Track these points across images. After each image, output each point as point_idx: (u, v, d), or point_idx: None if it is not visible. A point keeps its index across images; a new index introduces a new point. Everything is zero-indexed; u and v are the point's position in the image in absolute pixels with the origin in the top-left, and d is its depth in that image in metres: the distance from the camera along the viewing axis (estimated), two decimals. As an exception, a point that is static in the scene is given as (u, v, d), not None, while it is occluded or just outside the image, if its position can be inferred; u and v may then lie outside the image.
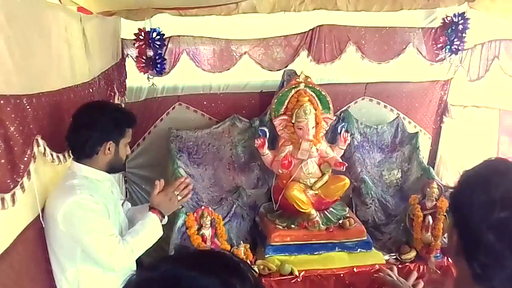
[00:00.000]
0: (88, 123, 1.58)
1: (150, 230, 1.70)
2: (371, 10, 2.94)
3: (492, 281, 0.79)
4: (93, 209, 1.53)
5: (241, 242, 2.84)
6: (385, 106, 3.56)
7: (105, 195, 1.65)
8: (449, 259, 0.96)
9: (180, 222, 2.69)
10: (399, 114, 3.56)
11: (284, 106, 2.92)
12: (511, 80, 2.88)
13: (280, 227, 2.91)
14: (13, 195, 1.12)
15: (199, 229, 2.68)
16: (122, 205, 1.91)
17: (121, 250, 1.56)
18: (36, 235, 1.49)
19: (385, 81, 3.48)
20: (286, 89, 2.92)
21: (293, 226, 2.91)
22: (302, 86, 2.88)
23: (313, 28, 3.21)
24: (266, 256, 2.81)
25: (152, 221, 1.71)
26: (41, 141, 1.35)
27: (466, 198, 0.82)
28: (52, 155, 1.48)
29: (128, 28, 2.91)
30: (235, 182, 3.24)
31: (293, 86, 2.90)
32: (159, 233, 1.74)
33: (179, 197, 1.79)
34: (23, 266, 1.33)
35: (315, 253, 2.85)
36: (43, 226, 1.51)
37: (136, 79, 3.13)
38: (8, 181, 1.10)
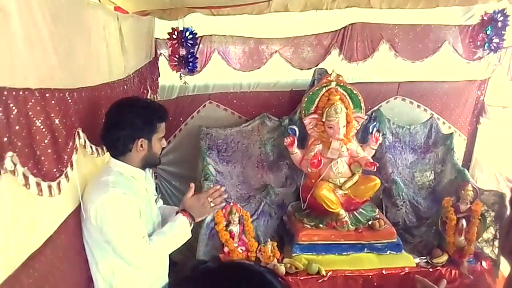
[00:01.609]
0: (118, 122, 1.59)
1: (178, 232, 1.70)
2: (405, 7, 2.86)
3: None
4: (124, 207, 1.55)
5: (268, 239, 2.85)
6: (418, 106, 3.48)
7: (139, 193, 1.66)
8: (502, 255, 0.94)
9: (208, 218, 2.71)
10: (433, 114, 3.46)
11: (315, 105, 2.91)
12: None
13: (308, 226, 2.90)
14: (58, 184, 1.17)
15: (227, 226, 2.71)
16: (156, 201, 1.91)
17: (146, 251, 1.57)
18: (76, 224, 1.55)
19: (419, 80, 3.39)
20: (317, 88, 2.91)
21: (321, 225, 2.89)
22: (333, 84, 2.87)
23: (345, 26, 3.18)
24: (293, 254, 2.80)
25: (181, 223, 1.71)
26: (81, 134, 1.40)
27: None
28: (91, 147, 1.53)
29: (162, 28, 2.98)
30: (263, 180, 3.26)
31: (324, 84, 2.89)
32: (187, 236, 1.74)
33: (212, 204, 1.78)
34: (65, 253, 1.38)
35: (343, 254, 2.83)
36: (84, 217, 1.56)
37: (168, 78, 3.20)
38: (54, 170, 1.15)
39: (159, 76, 3.16)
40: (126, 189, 1.57)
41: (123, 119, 1.58)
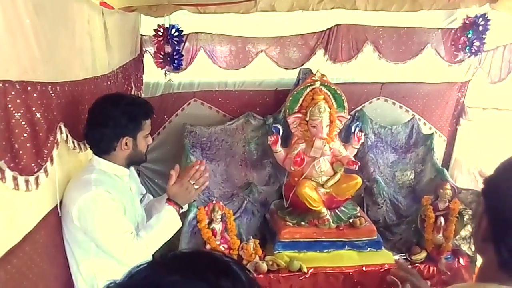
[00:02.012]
0: (102, 120, 1.54)
1: (166, 223, 1.65)
2: (390, 10, 2.92)
3: None
4: (108, 205, 1.51)
5: (251, 237, 2.87)
6: (400, 107, 3.53)
7: (122, 191, 1.62)
8: (474, 246, 0.99)
9: (191, 215, 2.73)
10: (414, 115, 3.53)
11: (299, 104, 2.94)
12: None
13: (290, 224, 2.93)
14: (36, 178, 1.17)
15: (209, 223, 2.72)
16: (142, 199, 1.87)
17: (135, 247, 1.53)
18: (57, 221, 1.53)
19: (402, 81, 3.45)
20: (302, 87, 2.94)
21: (303, 223, 2.93)
22: (317, 84, 2.90)
23: (331, 27, 3.21)
24: (275, 252, 2.83)
25: (167, 213, 1.66)
26: (63, 128, 1.40)
27: (505, 184, 0.86)
28: (73, 142, 1.53)
29: (147, 25, 2.97)
30: (246, 179, 3.28)
31: (309, 84, 2.92)
32: (177, 224, 1.70)
33: (196, 186, 1.71)
34: (44, 249, 1.38)
35: (324, 251, 2.87)
36: (60, 215, 1.53)
37: (153, 75, 3.18)
38: (33, 164, 1.14)
39: (143, 73, 3.14)
40: (109, 187, 1.53)
41: (107, 116, 1.54)
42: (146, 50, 3.14)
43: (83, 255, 1.57)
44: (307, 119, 2.88)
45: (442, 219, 2.79)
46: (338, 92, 2.95)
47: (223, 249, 2.73)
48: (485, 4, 2.94)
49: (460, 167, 3.57)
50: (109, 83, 2.14)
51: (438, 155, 3.45)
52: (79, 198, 1.47)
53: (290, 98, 2.97)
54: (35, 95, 1.13)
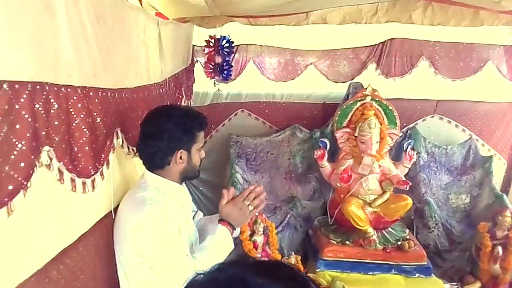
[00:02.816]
0: (155, 133, 1.48)
1: (220, 244, 1.58)
2: (448, 24, 2.79)
3: None
4: (163, 225, 1.43)
5: (292, 253, 2.80)
6: (456, 126, 3.36)
7: (177, 209, 1.56)
8: None
9: (235, 225, 2.70)
10: (471, 135, 3.34)
11: (348, 119, 2.86)
12: None
13: (334, 242, 2.83)
14: (93, 181, 1.19)
15: (251, 235, 2.68)
16: (194, 216, 1.81)
17: (189, 270, 1.43)
18: (111, 225, 1.52)
19: (459, 99, 3.29)
20: (351, 102, 2.86)
21: (347, 242, 2.82)
22: (368, 99, 2.81)
23: (384, 41, 3.14)
24: (317, 270, 2.74)
25: (221, 234, 1.58)
26: (120, 134, 1.42)
27: None
28: (128, 147, 1.55)
29: (199, 36, 3.03)
30: (290, 192, 3.22)
31: (359, 98, 2.84)
32: (230, 246, 1.62)
33: (251, 207, 1.63)
34: (97, 251, 1.39)
35: (369, 273, 2.73)
36: (117, 233, 1.49)
37: (203, 85, 3.24)
38: (90, 167, 1.17)
39: (194, 82, 3.20)
40: (164, 205, 1.47)
41: (161, 129, 1.48)
42: (197, 60, 3.20)
43: (137, 276, 1.51)
44: (356, 135, 2.79)
45: (500, 249, 2.58)
46: (390, 108, 2.84)
47: (263, 263, 2.68)
48: (555, 20, 2.74)
49: (521, 193, 3.32)
50: (161, 91, 2.19)
51: (497, 180, 3.23)
52: (133, 218, 1.41)
53: (339, 112, 2.89)
54: (96, 100, 1.16)
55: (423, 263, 2.74)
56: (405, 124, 3.24)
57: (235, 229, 1.64)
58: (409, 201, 2.75)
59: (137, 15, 1.67)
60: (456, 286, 2.71)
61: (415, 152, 2.90)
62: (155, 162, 1.52)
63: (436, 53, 3.14)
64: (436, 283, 2.70)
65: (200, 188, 3.46)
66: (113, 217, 1.51)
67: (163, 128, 1.48)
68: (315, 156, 2.89)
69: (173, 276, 1.46)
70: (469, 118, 3.34)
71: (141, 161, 1.68)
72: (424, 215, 3.04)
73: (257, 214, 2.74)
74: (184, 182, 1.68)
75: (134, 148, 1.66)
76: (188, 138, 1.53)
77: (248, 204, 1.62)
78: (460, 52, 3.14)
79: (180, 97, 2.77)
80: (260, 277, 0.52)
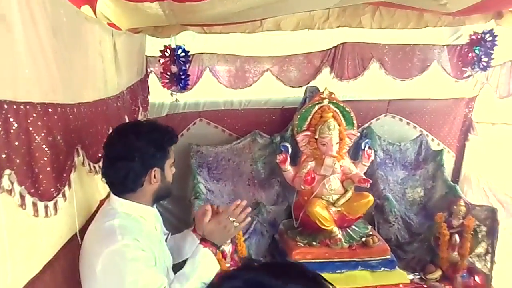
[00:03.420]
0: (125, 154, 1.35)
1: (204, 269, 1.43)
2: (395, 27, 2.95)
3: None
4: (138, 258, 1.29)
5: (261, 259, 2.80)
6: (408, 123, 3.53)
7: (150, 236, 1.42)
8: None
9: (200, 236, 2.66)
10: (422, 132, 3.52)
11: (307, 122, 2.92)
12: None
13: (301, 244, 2.87)
14: (55, 204, 1.11)
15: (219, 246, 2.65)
16: (166, 239, 1.67)
17: None
18: (77, 249, 1.40)
19: (408, 98, 3.45)
20: (310, 105, 2.92)
21: (314, 243, 2.86)
22: (326, 102, 2.88)
23: (336, 46, 3.23)
24: (288, 274, 2.75)
25: (204, 258, 1.44)
26: (81, 151, 1.34)
27: None
28: (89, 165, 1.47)
29: (152, 46, 2.97)
30: (255, 198, 3.22)
31: (317, 102, 2.90)
32: (215, 268, 1.46)
33: (236, 224, 1.52)
34: (65, 280, 1.29)
35: (337, 272, 2.78)
36: (84, 268, 1.36)
37: (158, 95, 3.17)
38: (52, 189, 1.09)
39: (149, 93, 3.13)
40: (137, 234, 1.34)
41: (131, 148, 1.35)
42: (151, 71, 3.13)
43: None
44: (317, 137, 2.85)
45: (457, 237, 2.73)
46: (347, 109, 2.93)
47: (233, 272, 2.65)
48: (490, 21, 2.96)
49: (470, 183, 3.54)
50: (118, 104, 2.11)
51: (447, 171, 3.42)
52: (103, 251, 1.27)
53: (299, 116, 2.94)
54: (55, 117, 1.09)
55: (387, 256, 2.84)
56: (360, 124, 3.33)
57: (219, 249, 1.50)
58: (371, 198, 2.83)
59: (93, 26, 1.61)
60: (419, 276, 2.82)
61: (373, 151, 3.01)
62: (128, 186, 1.39)
63: (385, 55, 3.27)
64: (400, 275, 2.81)
65: (161, 203, 3.36)
66: (79, 240, 1.41)
67: (133, 147, 1.36)
68: (277, 161, 2.92)
69: None
70: (419, 115, 3.52)
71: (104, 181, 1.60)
72: (384, 211, 3.15)
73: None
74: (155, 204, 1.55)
75: (96, 166, 1.58)
76: (161, 155, 1.42)
77: (233, 221, 1.52)
78: (407, 53, 3.29)
79: (137, 109, 2.68)
80: (277, 278, 0.53)
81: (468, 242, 2.70)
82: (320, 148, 2.84)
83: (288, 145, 2.92)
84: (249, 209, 1.58)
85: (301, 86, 3.28)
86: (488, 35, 3.02)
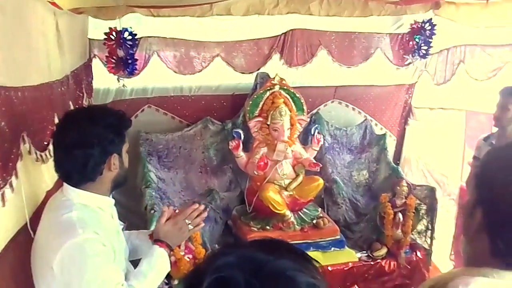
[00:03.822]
0: (82, 141, 1.28)
1: (159, 269, 1.44)
2: (342, 15, 3.03)
3: None
4: (98, 253, 1.25)
5: (216, 245, 2.80)
6: (353, 109, 3.66)
7: (109, 227, 1.38)
8: (465, 236, 0.95)
9: (153, 227, 2.60)
10: (366, 117, 3.67)
11: (259, 108, 2.93)
12: (476, 83, 3.07)
13: (255, 229, 2.91)
14: (2, 195, 1.02)
15: (173, 233, 2.62)
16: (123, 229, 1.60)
17: None
18: (27, 242, 1.31)
19: (354, 84, 3.57)
20: (261, 91, 2.93)
21: (268, 227, 2.92)
22: (277, 88, 2.92)
23: (286, 32, 3.25)
24: (242, 258, 2.78)
25: (160, 258, 1.45)
26: (27, 138, 1.24)
27: (500, 179, 0.84)
28: (36, 153, 1.36)
29: (95, 29, 2.81)
30: (207, 185, 3.20)
31: (268, 88, 2.92)
32: (167, 269, 1.48)
33: (190, 227, 1.53)
34: (13, 275, 1.21)
35: (290, 254, 2.86)
36: (38, 264, 1.29)
37: (103, 81, 3.01)
38: (-1, 180, 1.00)
39: (93, 78, 2.96)
40: (96, 226, 1.28)
41: (88, 135, 1.29)
42: (95, 55, 2.96)
43: None
44: (268, 123, 2.88)
45: (400, 215, 2.90)
46: (297, 95, 2.99)
47: (188, 259, 2.62)
48: (429, 11, 3.14)
49: (410, 164, 3.77)
50: (62, 89, 1.98)
51: (390, 154, 3.61)
52: (62, 246, 1.20)
53: (250, 102, 2.95)
54: (-1, 101, 1.00)
55: (337, 237, 2.96)
56: (309, 110, 3.40)
57: (172, 250, 1.52)
58: (321, 181, 2.93)
59: (35, 5, 1.48)
60: (366, 254, 2.98)
61: (322, 136, 3.10)
62: (86, 175, 1.33)
63: (333, 43, 3.35)
64: (349, 253, 2.94)
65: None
66: (31, 233, 1.31)
67: (90, 134, 1.29)
68: (230, 147, 2.92)
69: None
70: (364, 101, 3.66)
71: (48, 168, 1.50)
72: (333, 193, 3.27)
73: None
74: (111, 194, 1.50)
75: (43, 154, 1.47)
76: (119, 140, 1.37)
77: (189, 223, 1.52)
78: (353, 41, 3.39)
79: (81, 95, 2.54)
80: (268, 254, 0.53)
81: (410, 220, 2.89)
82: (272, 133, 2.87)
83: (241, 132, 2.93)
84: (205, 214, 1.59)
85: (251, 72, 3.28)
86: (427, 24, 3.19)
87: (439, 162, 3.53)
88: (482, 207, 0.88)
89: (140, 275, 1.40)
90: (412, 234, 3.02)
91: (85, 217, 1.28)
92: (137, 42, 2.89)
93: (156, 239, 1.50)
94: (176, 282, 2.53)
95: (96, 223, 1.30)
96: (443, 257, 3.36)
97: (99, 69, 2.94)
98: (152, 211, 2.71)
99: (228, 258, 0.51)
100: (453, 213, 3.42)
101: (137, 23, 2.88)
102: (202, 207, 1.58)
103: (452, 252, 3.37)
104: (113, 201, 1.45)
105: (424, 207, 3.00)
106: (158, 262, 1.44)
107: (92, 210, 1.34)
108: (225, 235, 3.09)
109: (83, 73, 2.66)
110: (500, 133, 2.63)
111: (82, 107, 1.76)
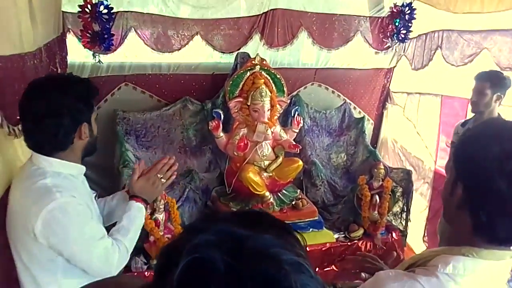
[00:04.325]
0: (52, 110, 1.27)
1: (139, 222, 1.50)
2: (324, -5, 3.00)
3: (495, 228, 0.84)
4: (79, 212, 1.28)
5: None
6: (333, 92, 3.67)
7: (83, 193, 1.41)
8: (445, 215, 0.96)
9: (132, 206, 2.56)
10: (345, 100, 3.69)
11: (240, 88, 2.90)
12: (452, 68, 3.12)
13: (234, 209, 2.89)
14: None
15: (151, 214, 2.59)
16: (95, 197, 1.64)
17: (117, 253, 1.35)
18: (2, 220, 1.28)
19: (334, 67, 3.57)
20: (242, 71, 2.89)
21: (247, 208, 2.91)
22: (257, 68, 2.88)
23: (267, 12, 3.19)
24: (221, 239, 2.78)
25: (139, 212, 1.50)
26: (-1, 111, 1.18)
27: (479, 150, 0.85)
28: (8, 127, 1.29)
29: (67, 2, 2.68)
30: (186, 166, 3.16)
31: (249, 68, 2.88)
32: (142, 223, 1.54)
33: (163, 180, 1.57)
34: None
35: (269, 235, 2.88)
36: (16, 233, 1.29)
37: (78, 56, 2.90)
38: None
39: (67, 53, 2.84)
40: (72, 191, 1.31)
41: (58, 104, 1.28)
42: (69, 29, 2.83)
43: (48, 277, 1.33)
44: (249, 104, 2.85)
45: (377, 197, 2.96)
46: (278, 76, 2.96)
47: (167, 239, 2.60)
48: (409, -6, 3.15)
49: (387, 148, 3.83)
50: (35, 62, 1.88)
51: (367, 138, 3.65)
52: (42, 210, 1.21)
53: (231, 82, 2.90)
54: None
55: (315, 218, 2.99)
56: (289, 92, 3.39)
57: (148, 204, 1.57)
58: (300, 163, 2.95)
59: (5, -32, 1.38)
60: (343, 235, 3.03)
61: (301, 118, 3.10)
62: (57, 144, 1.32)
63: (313, 24, 3.32)
64: (327, 234, 2.99)
65: (87, 173, 3.14)
66: (16, 233, 1.27)
67: (60, 102, 1.28)
68: (209, 128, 2.88)
69: (98, 261, 1.32)
70: (343, 84, 3.67)
71: (21, 143, 1.44)
72: (311, 175, 3.29)
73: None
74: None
75: (15, 129, 1.40)
76: (88, 108, 1.37)
77: (161, 177, 1.55)
78: (333, 23, 3.37)
79: (55, 70, 2.42)
80: (248, 229, 0.49)
81: (387, 202, 2.95)
82: (252, 114, 2.85)
83: (221, 112, 2.89)
84: (176, 166, 1.62)
85: (231, 52, 3.22)
86: (407, 8, 3.20)
87: (415, 146, 3.60)
88: (462, 183, 0.89)
89: (123, 229, 1.44)
90: (388, 216, 3.09)
91: (59, 183, 1.29)
92: (113, 16, 2.78)
93: (132, 195, 1.54)
94: (155, 262, 2.51)
95: (71, 188, 1.32)
96: (416, 239, 3.46)
97: (74, 44, 2.82)
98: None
99: (205, 235, 0.47)
100: (427, 196, 3.51)
101: (114, -3, 2.77)
102: (172, 160, 1.60)
103: (426, 234, 3.47)
104: (84, 168, 1.45)
105: (400, 189, 3.07)
106: (137, 216, 1.49)
107: (65, 177, 1.34)
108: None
109: (57, 47, 2.53)
110: (477, 118, 2.67)
111: (48, 76, 1.69)
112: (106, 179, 2.97)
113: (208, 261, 0.44)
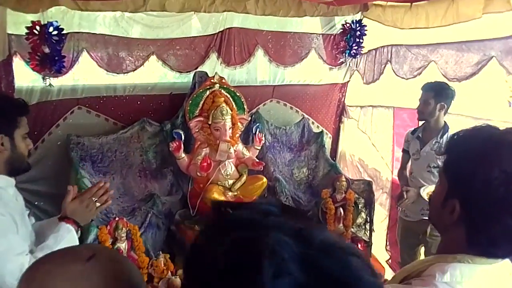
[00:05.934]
0: None
1: (67, 244, 1.45)
2: (278, 14, 3.07)
3: (494, 249, 0.84)
4: None
5: (160, 252, 2.67)
6: (291, 108, 3.73)
7: (10, 204, 1.41)
8: (437, 226, 0.95)
9: (91, 237, 2.41)
10: (304, 115, 3.76)
11: (199, 108, 2.86)
12: (402, 81, 3.28)
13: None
14: None
15: (113, 243, 2.45)
16: (28, 216, 1.63)
17: None
18: None
19: (291, 83, 3.63)
20: (201, 90, 2.86)
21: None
22: (217, 87, 2.86)
23: (223, 31, 3.21)
24: (188, 264, 2.68)
25: (67, 233, 1.50)
26: None
27: (480, 174, 0.82)
28: None
29: (13, 25, 2.54)
30: (147, 190, 3.04)
31: (208, 87, 2.86)
32: (75, 244, 1.52)
33: (98, 204, 1.60)
34: None
35: (237, 255, 2.82)
36: None
37: (26, 80, 2.74)
38: None
39: (14, 77, 2.67)
40: None
41: None
42: (15, 51, 2.68)
43: None
44: (210, 122, 2.81)
45: (341, 210, 3.00)
46: (238, 94, 2.96)
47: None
48: (358, 12, 3.30)
49: (345, 161, 3.93)
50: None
51: (327, 151, 3.72)
52: None
53: (190, 101, 2.86)
54: None
55: (281, 234, 2.97)
56: (248, 110, 3.40)
57: (80, 227, 1.57)
58: (264, 180, 2.94)
59: None
60: (310, 249, 3.02)
61: (263, 135, 3.11)
62: None
63: (269, 42, 3.38)
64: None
65: (36, 203, 2.93)
66: None
67: None
68: (170, 149, 2.81)
69: (10, 278, 1.29)
70: (300, 100, 3.75)
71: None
72: (276, 191, 3.28)
73: (117, 219, 2.51)
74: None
75: None
76: (7, 122, 1.44)
77: (96, 201, 1.59)
78: (288, 41, 3.45)
79: (1, 95, 2.28)
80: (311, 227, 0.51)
81: (351, 214, 3.00)
82: (214, 133, 2.82)
83: (181, 132, 2.83)
84: (112, 191, 1.67)
85: (189, 72, 3.19)
86: (357, 25, 3.35)
87: (371, 158, 3.72)
88: (459, 200, 0.87)
89: (46, 247, 1.42)
90: (352, 227, 3.13)
91: None
92: (63, 37, 2.67)
93: (62, 217, 1.54)
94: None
95: None
96: (379, 249, 3.54)
97: (22, 67, 2.66)
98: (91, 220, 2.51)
99: (279, 235, 0.47)
100: (387, 206, 3.61)
101: (62, 17, 2.66)
102: (108, 184, 1.64)
103: (388, 243, 3.56)
104: (13, 180, 1.48)
105: (363, 200, 3.13)
106: (64, 237, 1.48)
107: None
108: (168, 241, 2.96)
109: (2, 71, 2.40)
110: (425, 126, 2.84)
111: None
112: (57, 209, 2.78)
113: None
